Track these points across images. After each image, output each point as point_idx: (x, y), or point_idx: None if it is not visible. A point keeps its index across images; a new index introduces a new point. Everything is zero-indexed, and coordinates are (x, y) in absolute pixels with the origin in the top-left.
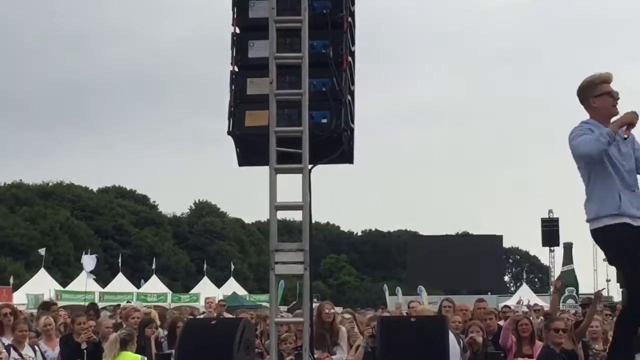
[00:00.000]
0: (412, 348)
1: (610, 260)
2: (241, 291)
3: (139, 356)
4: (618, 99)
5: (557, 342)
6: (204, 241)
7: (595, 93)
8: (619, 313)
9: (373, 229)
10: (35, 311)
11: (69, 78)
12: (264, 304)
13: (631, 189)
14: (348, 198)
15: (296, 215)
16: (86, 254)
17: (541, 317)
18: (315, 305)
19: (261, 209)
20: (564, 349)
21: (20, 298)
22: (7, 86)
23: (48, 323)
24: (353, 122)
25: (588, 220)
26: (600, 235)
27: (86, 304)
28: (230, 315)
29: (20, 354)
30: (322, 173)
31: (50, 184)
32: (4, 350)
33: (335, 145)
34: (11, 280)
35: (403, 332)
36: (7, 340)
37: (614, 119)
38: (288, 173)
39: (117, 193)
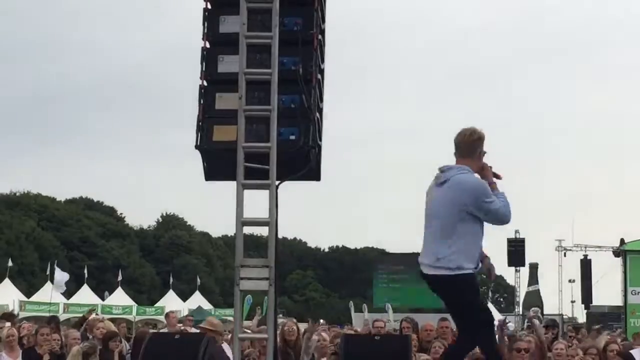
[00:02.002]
0: None
1: (465, 303)
2: (207, 305)
3: None
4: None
5: None
6: (170, 254)
7: (482, 149)
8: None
9: (340, 246)
10: None
11: (36, 88)
12: (229, 318)
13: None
14: (315, 214)
15: (264, 230)
16: (52, 267)
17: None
18: (280, 321)
19: (228, 223)
20: None
21: None
22: None
23: (11, 334)
24: (321, 140)
25: (442, 267)
26: (461, 282)
27: (50, 315)
28: (195, 330)
29: None
30: (290, 189)
31: (17, 194)
32: None
33: (302, 162)
34: None
35: (367, 350)
36: None
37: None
38: (255, 189)
39: (84, 204)
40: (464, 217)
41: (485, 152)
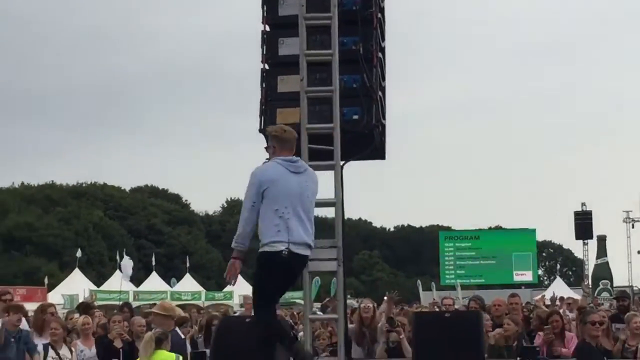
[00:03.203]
0: (447, 343)
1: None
2: None
3: (173, 355)
4: None
5: (594, 335)
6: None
7: None
8: None
9: (405, 225)
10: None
11: (100, 78)
12: (297, 301)
13: None
14: (380, 194)
15: (327, 212)
16: (121, 255)
17: (575, 311)
18: (348, 301)
19: None
20: (600, 344)
21: (55, 298)
22: (40, 86)
23: (86, 322)
24: (384, 118)
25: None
26: None
27: (120, 303)
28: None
29: (57, 354)
30: (353, 169)
31: (84, 185)
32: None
33: (366, 141)
34: (46, 281)
35: (438, 327)
36: (44, 340)
37: None
38: (320, 170)
39: (149, 192)
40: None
41: None
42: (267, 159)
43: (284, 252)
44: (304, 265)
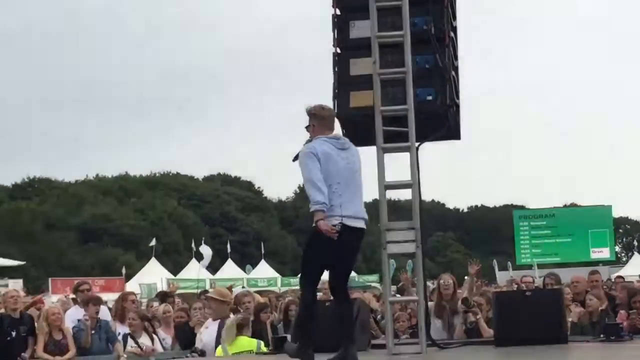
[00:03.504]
0: (529, 321)
1: None
2: None
3: (255, 340)
4: None
5: None
6: (310, 224)
7: None
8: None
9: (479, 205)
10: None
11: (168, 66)
12: (373, 284)
13: None
14: (451, 174)
15: (400, 195)
16: (197, 243)
17: None
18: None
19: (366, 188)
20: None
21: (133, 288)
22: (111, 77)
23: (167, 310)
24: (458, 98)
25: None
26: None
27: (198, 291)
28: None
29: (137, 342)
30: (424, 150)
31: (157, 175)
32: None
33: (441, 122)
34: (123, 271)
35: (519, 306)
36: (126, 329)
37: None
38: (396, 152)
39: (222, 180)
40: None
41: None
42: (308, 139)
43: (337, 225)
44: (360, 239)
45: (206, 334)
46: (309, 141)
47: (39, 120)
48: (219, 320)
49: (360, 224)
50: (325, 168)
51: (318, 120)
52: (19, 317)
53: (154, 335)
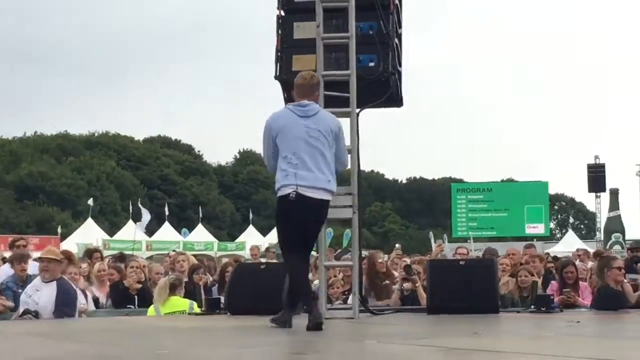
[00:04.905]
0: (462, 290)
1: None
2: None
3: (187, 301)
4: None
5: (619, 280)
6: (249, 190)
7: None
8: None
9: (417, 177)
10: None
11: (115, 29)
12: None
13: None
14: (392, 145)
15: None
16: (135, 205)
17: (588, 262)
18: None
19: None
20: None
21: (68, 247)
22: (56, 38)
23: (102, 269)
24: (401, 66)
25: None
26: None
27: (134, 252)
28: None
29: None
30: (365, 119)
31: (96, 134)
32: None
33: (382, 88)
34: (59, 230)
35: (453, 275)
36: None
37: None
38: (336, 117)
39: (162, 143)
40: (331, 144)
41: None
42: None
43: (291, 194)
44: (320, 208)
45: (42, 295)
46: None
47: None
48: (55, 281)
49: (318, 194)
50: (282, 137)
51: (295, 88)
52: None
53: (86, 292)
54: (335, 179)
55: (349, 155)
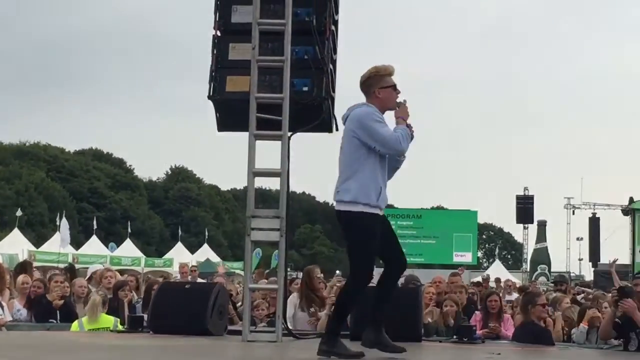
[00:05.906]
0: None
1: (353, 243)
2: (215, 258)
3: (112, 318)
4: (400, 93)
5: (543, 317)
6: (179, 207)
7: (382, 85)
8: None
9: None
10: None
11: (48, 38)
12: (237, 271)
13: (385, 185)
14: (324, 168)
15: (272, 184)
16: (61, 217)
17: (514, 293)
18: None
19: (237, 176)
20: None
21: None
22: None
23: (25, 281)
24: (334, 91)
25: (340, 200)
26: (353, 219)
27: (59, 265)
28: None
29: None
30: (298, 142)
31: (27, 144)
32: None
33: (315, 113)
34: None
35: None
36: None
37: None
38: (267, 140)
39: (93, 155)
40: (357, 146)
41: (391, 86)
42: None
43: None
44: (339, 221)
45: None
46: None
47: None
48: None
49: (336, 206)
50: None
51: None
52: None
53: (3, 304)
54: (351, 182)
55: (343, 154)
